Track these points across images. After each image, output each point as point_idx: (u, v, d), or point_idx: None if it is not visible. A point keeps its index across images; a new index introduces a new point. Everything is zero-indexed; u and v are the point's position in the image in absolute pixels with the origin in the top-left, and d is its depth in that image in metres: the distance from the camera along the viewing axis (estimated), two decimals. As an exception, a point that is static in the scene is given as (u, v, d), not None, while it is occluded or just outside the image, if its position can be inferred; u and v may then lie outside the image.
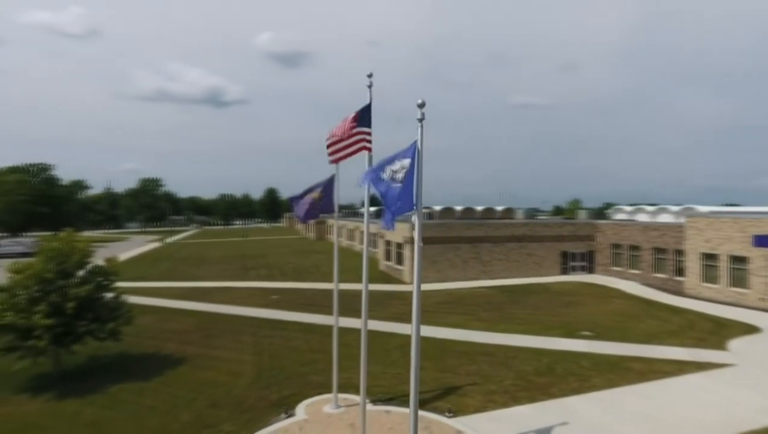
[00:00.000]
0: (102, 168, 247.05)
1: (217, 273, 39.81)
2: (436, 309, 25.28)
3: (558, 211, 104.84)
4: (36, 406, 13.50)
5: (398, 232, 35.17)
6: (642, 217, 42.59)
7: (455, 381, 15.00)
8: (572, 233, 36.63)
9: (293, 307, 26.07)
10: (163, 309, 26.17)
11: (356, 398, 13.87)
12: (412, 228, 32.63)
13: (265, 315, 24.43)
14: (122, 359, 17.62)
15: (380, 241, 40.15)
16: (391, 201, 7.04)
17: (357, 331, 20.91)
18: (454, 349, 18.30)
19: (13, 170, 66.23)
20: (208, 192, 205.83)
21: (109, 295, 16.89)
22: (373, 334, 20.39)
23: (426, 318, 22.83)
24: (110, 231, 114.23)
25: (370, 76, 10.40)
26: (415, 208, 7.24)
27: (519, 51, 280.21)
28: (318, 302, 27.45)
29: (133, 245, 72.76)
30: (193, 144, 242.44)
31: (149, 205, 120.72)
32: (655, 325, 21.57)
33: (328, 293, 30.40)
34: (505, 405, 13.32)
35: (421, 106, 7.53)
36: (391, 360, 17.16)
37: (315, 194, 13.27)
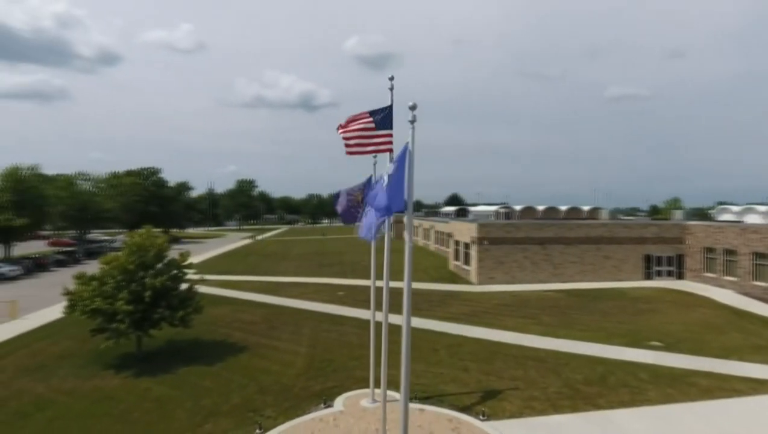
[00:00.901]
0: (208, 170, 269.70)
1: (294, 269, 42.08)
2: (497, 311, 24.77)
3: (654, 210, 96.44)
4: (116, 382, 15.46)
5: (466, 232, 34.81)
6: (753, 218, 37.90)
7: (497, 385, 14.76)
8: (657, 235, 33.74)
9: (355, 304, 26.92)
10: (240, 301, 28.31)
11: (396, 394, 14.22)
12: (479, 228, 32.15)
13: (328, 310, 25.51)
14: (195, 345, 19.47)
15: (450, 241, 39.93)
16: (380, 202, 7.25)
17: (415, 329, 21.21)
18: (505, 352, 17.90)
19: (129, 174, 74.97)
20: (298, 192, 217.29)
21: (183, 286, 18.71)
22: (424, 333, 20.67)
23: (483, 320, 22.59)
24: (211, 228, 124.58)
25: (391, 78, 10.64)
26: (404, 207, 7.39)
27: (616, 39, 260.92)
28: (379, 300, 28.03)
29: (228, 242, 78.90)
30: (286, 146, 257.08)
31: (245, 204, 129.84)
32: (740, 339, 19.39)
33: (392, 291, 30.94)
34: (543, 412, 12.89)
35: (413, 108, 7.67)
36: (437, 360, 17.23)
37: (357, 195, 13.65)
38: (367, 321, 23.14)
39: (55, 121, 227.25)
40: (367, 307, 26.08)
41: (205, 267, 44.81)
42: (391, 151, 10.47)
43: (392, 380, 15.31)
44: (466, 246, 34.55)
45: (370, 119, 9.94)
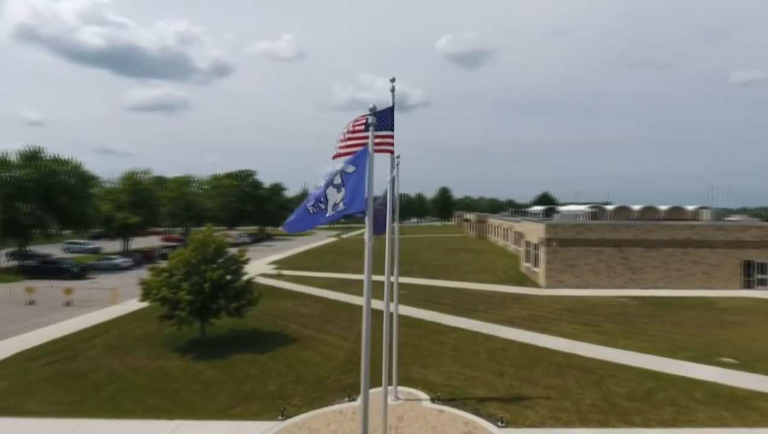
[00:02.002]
0: (313, 169, 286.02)
1: (362, 268, 43.22)
2: (557, 316, 23.60)
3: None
4: (177, 363, 17.27)
5: (534, 232, 33.42)
6: None
7: (529, 392, 14.24)
8: (760, 239, 29.69)
9: (412, 303, 27.16)
10: (304, 295, 29.89)
11: (420, 394, 14.36)
12: (547, 228, 30.74)
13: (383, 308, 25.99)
14: (254, 334, 21.02)
15: (522, 242, 38.53)
16: (333, 201, 7.32)
17: (458, 330, 21.12)
18: (549, 360, 17.12)
19: (228, 176, 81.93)
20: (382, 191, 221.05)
21: (242, 279, 20.31)
22: (471, 335, 20.41)
23: (538, 325, 21.68)
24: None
25: (392, 80, 10.81)
26: (365, 208, 7.53)
27: (740, 19, 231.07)
28: (438, 299, 28.05)
29: (315, 239, 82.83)
30: None
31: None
32: (839, 361, 16.62)
33: (454, 291, 30.79)
34: (568, 424, 12.25)
35: (372, 110, 7.82)
36: (475, 362, 16.97)
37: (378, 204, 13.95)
38: (418, 321, 23.37)
39: (179, 128, 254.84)
40: (422, 306, 26.28)
41: (286, 263, 47.80)
42: (392, 152, 10.60)
43: (420, 379, 15.53)
44: (536, 247, 33.15)
45: (361, 121, 10.09)
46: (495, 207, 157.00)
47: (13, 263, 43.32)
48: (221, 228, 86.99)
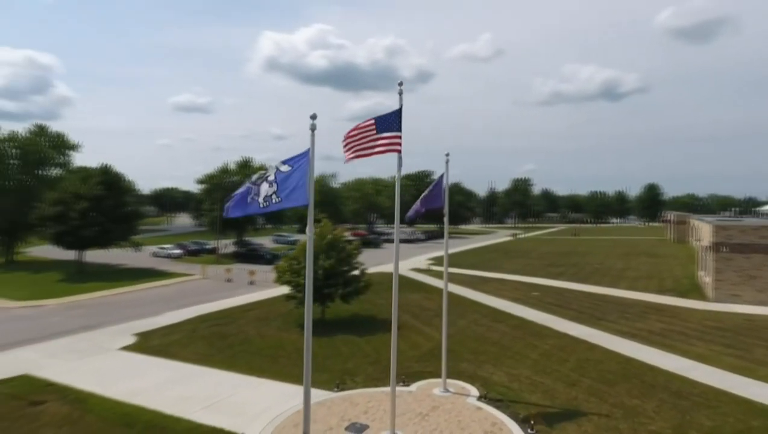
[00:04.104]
0: (509, 168, 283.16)
1: (516, 267, 42.08)
2: (697, 334, 20.00)
3: None
4: (293, 336, 20.59)
5: (705, 235, 28.12)
6: None
7: (589, 407, 13.14)
8: None
9: (537, 305, 26.04)
10: (436, 290, 31.08)
11: (472, 390, 14.50)
12: (716, 230, 25.82)
13: (502, 307, 25.70)
14: (367, 319, 23.32)
15: (699, 246, 32.58)
16: (266, 196, 8.50)
17: (563, 337, 19.92)
18: (643, 378, 15.13)
19: (406, 177, 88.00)
20: (588, 188, 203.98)
21: (355, 271, 22.83)
22: (573, 343, 19.09)
23: (665, 342, 19.01)
24: (489, 225, 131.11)
25: (400, 84, 11.46)
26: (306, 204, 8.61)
27: None
28: (568, 304, 26.27)
29: (490, 238, 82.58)
30: (584, 141, 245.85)
31: (520, 202, 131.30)
32: None
33: (593, 296, 28.31)
34: (606, 445, 11.13)
35: (313, 117, 8.81)
36: (553, 370, 16.07)
37: (426, 192, 14.68)
38: (528, 322, 22.57)
39: None
40: (544, 310, 25.09)
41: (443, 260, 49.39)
42: (399, 151, 11.23)
43: (485, 377, 15.56)
44: (706, 252, 27.82)
45: (372, 123, 11.03)
46: (724, 205, 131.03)
47: (230, 250, 55.08)
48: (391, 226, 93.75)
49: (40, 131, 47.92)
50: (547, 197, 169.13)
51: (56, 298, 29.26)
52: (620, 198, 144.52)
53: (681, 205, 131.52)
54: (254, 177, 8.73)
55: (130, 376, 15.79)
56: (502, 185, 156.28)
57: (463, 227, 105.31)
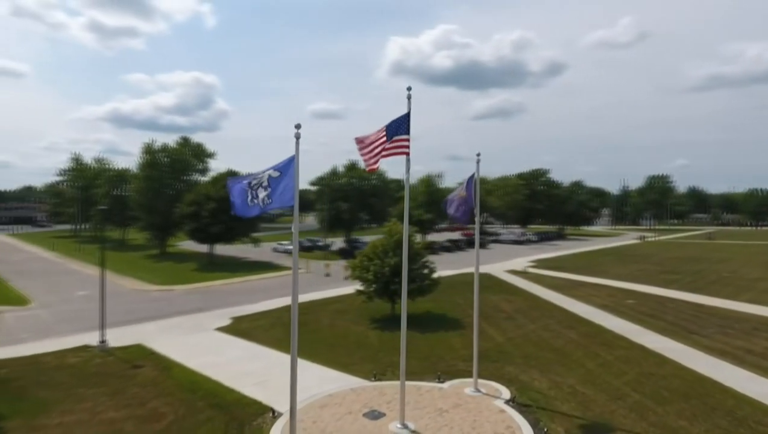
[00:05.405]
0: (654, 164, 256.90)
1: (624, 272, 38.71)
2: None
3: None
4: (360, 328, 21.96)
5: None
6: None
7: (623, 422, 12.39)
8: None
9: (624, 314, 24.14)
10: (520, 292, 30.31)
11: (504, 392, 14.36)
12: None
13: (583, 313, 24.37)
14: (436, 318, 23.80)
15: None
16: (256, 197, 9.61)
17: (635, 348, 18.50)
18: (705, 399, 13.66)
19: (519, 176, 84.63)
20: (750, 186, 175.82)
21: (425, 270, 23.50)
22: (643, 355, 17.84)
23: (752, 361, 16.34)
24: (618, 227, 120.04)
25: (409, 89, 11.91)
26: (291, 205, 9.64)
27: None
28: (660, 315, 23.93)
29: (612, 241, 76.05)
30: (745, 131, 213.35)
31: (655, 201, 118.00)
32: None
33: (697, 307, 25.39)
34: (623, 460, 10.51)
35: (297, 127, 9.72)
36: (603, 381, 15.21)
37: (462, 192, 14.80)
38: (602, 330, 21.37)
39: (515, 131, 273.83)
40: (631, 319, 23.27)
41: (547, 262, 47.20)
42: (407, 154, 11.75)
43: (525, 381, 15.28)
44: None
45: (383, 132, 11.72)
46: None
47: (338, 247, 58.82)
48: (506, 226, 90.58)
49: (185, 142, 56.31)
50: (695, 196, 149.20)
51: (185, 285, 34.53)
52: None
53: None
54: (252, 182, 10.03)
55: (212, 352, 18.51)
56: (627, 183, 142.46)
57: (586, 229, 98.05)
